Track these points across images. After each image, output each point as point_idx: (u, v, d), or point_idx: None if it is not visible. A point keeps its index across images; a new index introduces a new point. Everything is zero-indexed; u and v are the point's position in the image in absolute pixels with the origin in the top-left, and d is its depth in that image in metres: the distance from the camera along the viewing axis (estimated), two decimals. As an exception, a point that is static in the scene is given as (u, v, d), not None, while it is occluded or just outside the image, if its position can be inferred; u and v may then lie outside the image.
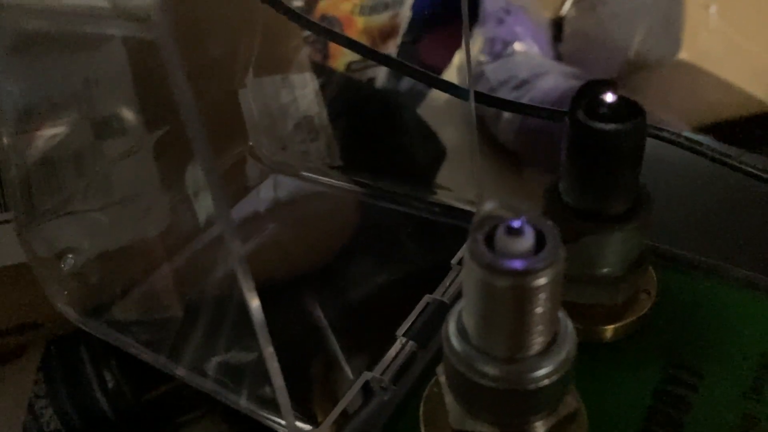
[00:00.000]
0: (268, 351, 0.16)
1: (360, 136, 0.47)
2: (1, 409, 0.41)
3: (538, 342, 0.15)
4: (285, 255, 0.33)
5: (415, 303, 0.22)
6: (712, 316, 0.20)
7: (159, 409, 0.43)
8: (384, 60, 0.32)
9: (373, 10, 0.58)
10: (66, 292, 0.29)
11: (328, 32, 0.31)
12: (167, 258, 0.36)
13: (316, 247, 0.33)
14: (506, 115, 0.57)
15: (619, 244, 0.18)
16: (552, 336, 0.15)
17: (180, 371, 0.27)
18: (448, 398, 0.16)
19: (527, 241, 0.14)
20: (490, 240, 0.14)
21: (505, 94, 0.60)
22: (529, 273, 0.14)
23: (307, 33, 0.54)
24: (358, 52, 0.31)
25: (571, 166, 0.18)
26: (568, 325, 0.16)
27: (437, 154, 0.53)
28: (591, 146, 0.17)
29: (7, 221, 0.37)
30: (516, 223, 0.14)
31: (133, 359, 0.42)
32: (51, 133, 0.38)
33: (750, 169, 0.23)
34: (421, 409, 0.18)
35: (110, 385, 0.41)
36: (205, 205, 0.36)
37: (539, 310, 0.14)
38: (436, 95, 0.64)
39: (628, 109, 0.17)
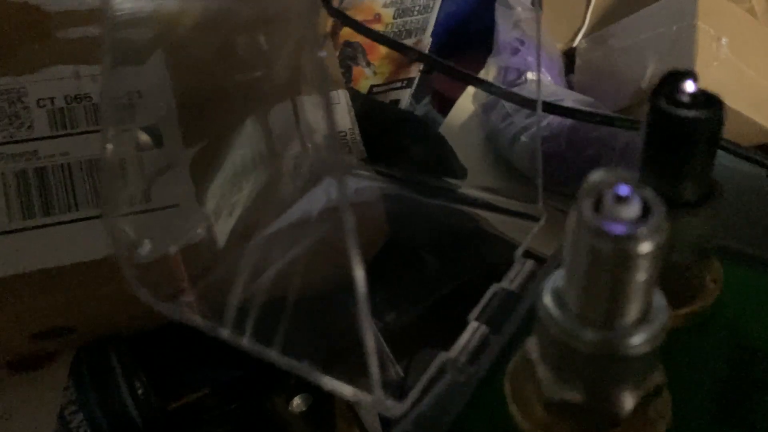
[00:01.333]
0: (367, 324, 0.16)
1: (381, 156, 0.48)
2: (33, 414, 0.40)
3: (635, 310, 0.15)
4: (334, 260, 0.33)
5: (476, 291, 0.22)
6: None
7: (184, 418, 0.43)
8: (442, 67, 0.33)
9: (396, 36, 0.59)
10: (144, 278, 0.29)
11: (396, 45, 0.31)
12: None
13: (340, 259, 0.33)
14: (522, 139, 0.58)
15: (692, 230, 0.19)
16: (647, 306, 0.16)
17: (252, 345, 0.27)
18: (541, 368, 0.17)
19: (634, 208, 0.14)
20: (597, 205, 0.15)
21: (521, 119, 0.61)
22: (635, 238, 0.14)
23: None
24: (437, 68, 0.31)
25: (649, 151, 0.18)
26: (660, 298, 0.16)
27: (457, 174, 0.54)
28: (671, 132, 0.18)
29: (47, 225, 0.37)
30: (624, 190, 0.14)
31: (161, 369, 0.42)
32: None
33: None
34: (507, 384, 0.18)
35: (140, 392, 0.41)
36: (225, 230, 0.37)
37: (641, 277, 0.15)
38: (450, 121, 0.65)
39: (706, 99, 0.18)
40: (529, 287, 0.22)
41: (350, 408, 0.42)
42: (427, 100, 0.73)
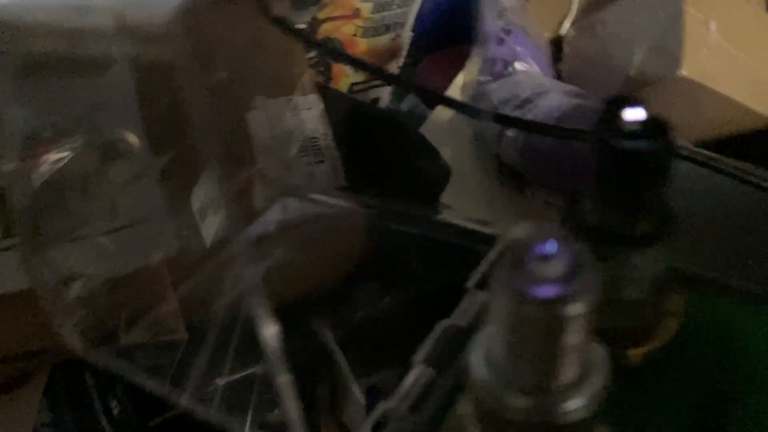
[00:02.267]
0: (283, 379, 0.15)
1: (365, 157, 0.47)
2: (7, 437, 0.40)
3: (568, 373, 0.14)
4: (294, 277, 0.32)
5: (426, 326, 0.21)
6: (743, 339, 0.19)
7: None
8: (393, 80, 0.31)
9: (375, 31, 0.58)
10: (72, 321, 0.28)
11: (339, 54, 0.30)
12: (173, 283, 0.35)
13: (324, 269, 0.32)
14: (509, 134, 0.56)
15: (644, 265, 0.17)
16: (583, 366, 0.14)
17: (184, 399, 0.26)
18: (473, 429, 0.15)
19: (560, 266, 0.13)
20: (519, 265, 0.13)
21: (507, 113, 0.59)
22: (563, 301, 0.13)
23: (309, 55, 0.53)
24: (369, 73, 0.30)
25: (596, 185, 0.17)
26: (600, 352, 0.14)
27: (442, 173, 0.52)
28: (618, 166, 0.16)
29: (8, 248, 0.36)
30: (548, 247, 0.13)
31: (138, 387, 0.42)
32: (56, 157, 0.37)
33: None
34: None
35: (115, 411, 0.40)
36: (210, 229, 0.35)
37: (571, 339, 0.13)
38: (437, 116, 0.63)
39: (655, 127, 0.16)
40: (483, 320, 0.21)
41: (338, 420, 0.41)
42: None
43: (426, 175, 0.51)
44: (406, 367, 0.20)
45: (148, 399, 0.41)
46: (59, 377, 0.41)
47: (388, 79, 0.32)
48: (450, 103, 0.30)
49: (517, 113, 0.57)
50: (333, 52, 0.29)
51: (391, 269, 0.33)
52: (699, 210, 0.23)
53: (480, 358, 0.15)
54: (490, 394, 0.14)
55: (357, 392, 0.26)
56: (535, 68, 0.64)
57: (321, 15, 0.58)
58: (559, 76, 0.66)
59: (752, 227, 0.23)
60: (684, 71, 0.52)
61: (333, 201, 0.33)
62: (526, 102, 0.58)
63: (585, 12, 0.66)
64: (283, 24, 0.26)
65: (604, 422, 0.16)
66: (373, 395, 0.37)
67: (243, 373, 0.34)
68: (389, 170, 0.51)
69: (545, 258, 0.13)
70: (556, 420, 0.14)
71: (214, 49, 0.32)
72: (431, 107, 0.64)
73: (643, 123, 0.16)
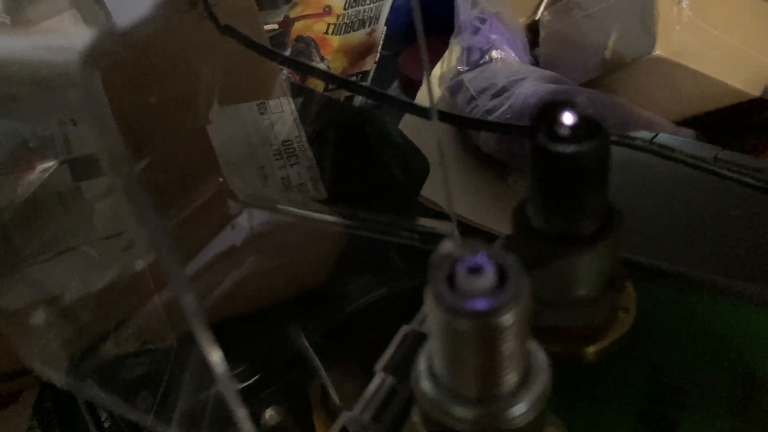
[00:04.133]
0: (237, 407, 0.15)
1: (342, 156, 0.47)
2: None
3: (509, 380, 0.14)
4: (265, 286, 0.32)
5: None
6: (695, 331, 0.19)
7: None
8: (351, 86, 0.32)
9: (348, 27, 0.58)
10: (36, 347, 0.29)
11: (291, 62, 0.30)
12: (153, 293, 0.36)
13: (296, 276, 0.32)
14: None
15: (590, 265, 0.18)
16: (524, 371, 0.15)
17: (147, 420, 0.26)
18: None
19: (489, 278, 0.13)
20: (451, 279, 0.13)
21: (485, 101, 0.59)
22: (493, 312, 0.13)
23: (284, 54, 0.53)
24: (323, 79, 0.30)
25: (536, 189, 0.17)
26: (540, 357, 0.15)
27: (420, 168, 0.53)
28: (553, 169, 0.16)
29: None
30: (476, 261, 0.13)
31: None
32: (29, 177, 0.37)
33: (725, 172, 0.23)
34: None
35: (106, 425, 0.41)
36: None
37: (507, 348, 0.13)
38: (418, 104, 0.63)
39: (589, 129, 0.17)
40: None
41: (331, 417, 0.41)
42: (396, 84, 0.72)
43: (403, 172, 0.52)
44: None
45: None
46: (48, 394, 0.42)
47: (348, 86, 0.33)
48: (400, 103, 0.30)
49: (494, 102, 0.57)
50: (288, 60, 0.29)
51: (364, 273, 0.33)
52: (653, 200, 0.24)
53: (424, 371, 0.15)
54: (435, 406, 0.15)
55: (333, 392, 0.26)
56: (512, 55, 0.64)
57: (292, 13, 0.58)
58: (536, 61, 0.66)
59: (707, 215, 0.23)
60: (658, 50, 0.53)
61: (302, 212, 0.34)
62: (503, 90, 0.58)
63: None
64: (234, 33, 0.26)
65: (555, 421, 0.16)
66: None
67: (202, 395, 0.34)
68: (367, 167, 0.51)
69: (474, 271, 0.13)
70: (503, 427, 0.14)
71: (163, 66, 0.32)
72: (413, 98, 0.64)
73: (576, 126, 0.16)
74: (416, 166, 0.53)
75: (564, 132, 0.16)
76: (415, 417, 0.16)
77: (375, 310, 0.38)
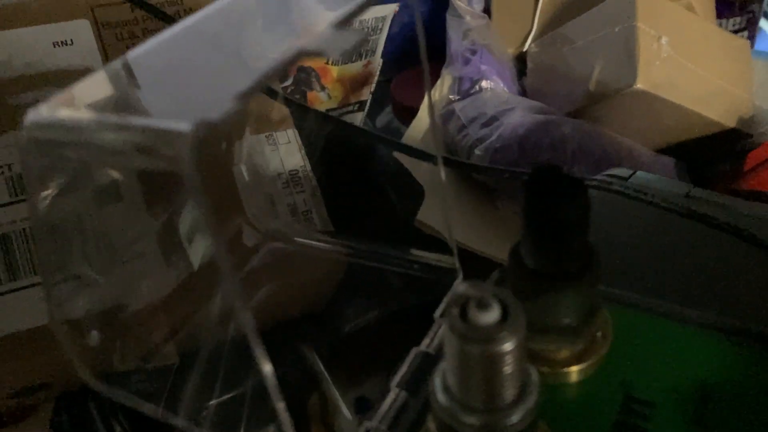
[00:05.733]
0: (280, 406, 0.19)
1: (341, 181, 0.50)
2: (18, 467, 0.43)
3: (509, 394, 0.18)
4: (276, 305, 0.36)
5: (399, 343, 0.25)
6: (660, 352, 0.23)
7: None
8: (355, 130, 0.36)
9: (347, 59, 0.61)
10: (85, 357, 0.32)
11: (294, 103, 0.34)
12: (163, 308, 0.39)
13: (299, 299, 0.36)
14: (477, 152, 0.60)
15: (573, 298, 0.22)
16: (520, 387, 0.18)
17: (179, 422, 0.30)
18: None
19: (494, 312, 0.17)
20: (464, 312, 0.17)
21: (475, 130, 0.62)
22: (496, 341, 0.17)
23: (286, 83, 0.57)
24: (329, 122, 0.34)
25: (527, 235, 0.21)
26: (533, 375, 0.19)
27: (415, 193, 0.55)
28: (542, 222, 0.20)
29: (14, 290, 0.40)
30: (484, 299, 0.17)
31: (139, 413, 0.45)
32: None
33: (695, 209, 0.27)
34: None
35: (120, 436, 0.44)
36: (197, 253, 0.39)
37: (508, 369, 0.17)
38: (412, 132, 0.66)
39: (573, 187, 0.20)
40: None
41: (329, 429, 0.44)
42: (388, 109, 0.75)
43: (398, 197, 0.55)
44: (386, 379, 0.24)
45: (148, 423, 0.45)
46: (63, 407, 0.45)
47: (351, 130, 0.37)
48: (409, 149, 0.34)
49: (484, 131, 0.61)
50: (289, 101, 0.33)
51: (366, 297, 0.37)
52: (626, 236, 0.28)
53: (439, 385, 0.19)
54: (448, 415, 0.18)
55: (344, 407, 0.30)
56: (501, 85, 0.67)
57: (293, 45, 0.61)
58: (523, 91, 0.70)
59: (675, 250, 0.27)
60: (639, 84, 0.56)
61: (317, 244, 0.37)
62: (493, 119, 0.61)
63: (546, 29, 0.70)
64: (271, 93, 0.30)
65: (544, 427, 0.20)
66: (361, 404, 0.40)
67: (232, 394, 0.37)
68: (365, 192, 0.55)
69: (483, 307, 0.17)
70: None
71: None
72: (405, 123, 0.68)
73: (562, 185, 0.20)
74: (411, 191, 0.56)
75: (551, 189, 0.20)
76: (430, 424, 0.20)
77: (371, 330, 0.41)
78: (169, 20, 0.44)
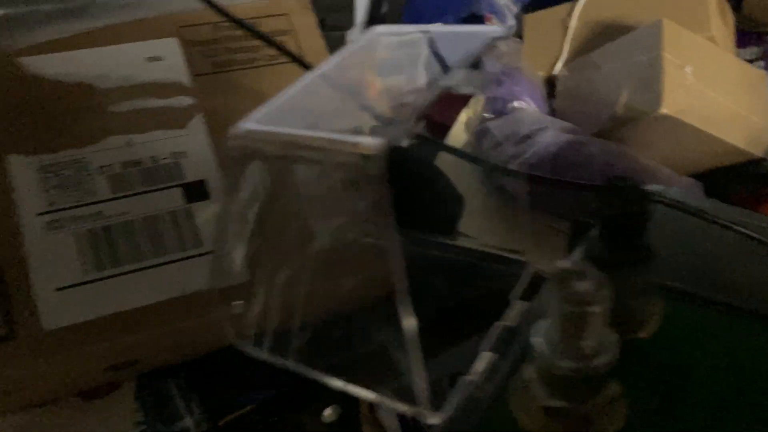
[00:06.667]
0: (416, 356, 0.25)
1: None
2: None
3: (595, 344, 0.24)
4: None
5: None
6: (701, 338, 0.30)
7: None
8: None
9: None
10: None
11: None
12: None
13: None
14: (511, 167, 0.65)
15: (633, 281, 0.28)
16: (603, 341, 0.25)
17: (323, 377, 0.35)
18: (536, 385, 0.26)
19: (590, 283, 0.23)
20: (566, 283, 0.24)
21: (509, 147, 0.67)
22: (591, 303, 0.23)
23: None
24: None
25: (601, 236, 0.27)
26: (612, 334, 0.25)
27: (458, 202, 0.60)
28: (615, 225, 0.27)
29: (115, 275, 0.45)
30: (583, 272, 0.23)
31: (210, 391, 0.51)
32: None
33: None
34: (511, 399, 0.27)
35: (196, 413, 0.49)
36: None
37: (596, 326, 0.24)
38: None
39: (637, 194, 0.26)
40: (524, 322, 0.31)
41: (372, 413, 0.49)
42: (422, 125, 0.81)
43: (445, 204, 0.60)
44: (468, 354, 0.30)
45: (218, 403, 0.50)
46: (147, 385, 0.50)
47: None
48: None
49: (518, 148, 0.66)
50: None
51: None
52: (676, 239, 0.34)
53: (540, 339, 0.25)
54: (548, 362, 0.25)
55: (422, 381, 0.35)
56: (532, 105, 0.73)
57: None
58: (552, 112, 0.75)
59: (718, 252, 0.33)
60: (664, 109, 0.60)
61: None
62: (525, 138, 0.67)
63: (576, 54, 0.75)
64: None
65: (615, 382, 0.26)
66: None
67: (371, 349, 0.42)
68: (413, 199, 0.60)
69: (580, 277, 0.23)
70: (588, 374, 0.24)
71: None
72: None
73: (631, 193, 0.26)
74: (454, 201, 0.60)
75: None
76: (527, 373, 0.26)
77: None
78: (282, 50, 0.49)
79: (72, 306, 0.44)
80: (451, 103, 0.77)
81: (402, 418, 0.47)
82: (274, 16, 0.56)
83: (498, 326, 0.30)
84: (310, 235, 0.44)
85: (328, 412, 0.51)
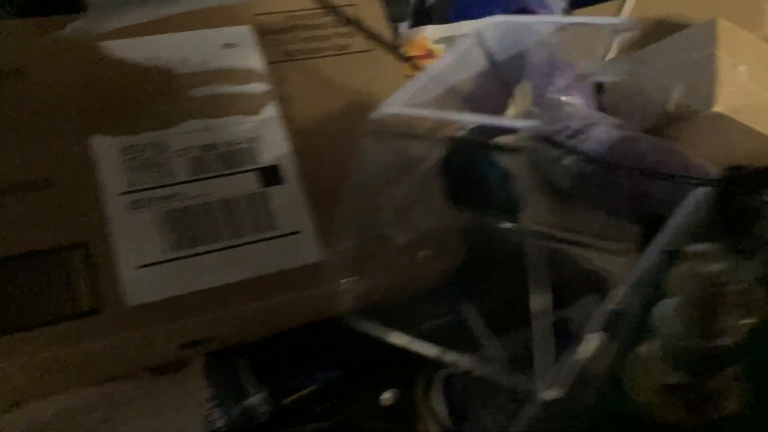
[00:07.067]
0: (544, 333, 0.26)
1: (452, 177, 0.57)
2: (181, 410, 0.49)
3: (720, 325, 0.26)
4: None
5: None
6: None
7: (296, 411, 0.52)
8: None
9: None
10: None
11: None
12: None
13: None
14: (564, 162, 0.65)
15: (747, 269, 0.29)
16: (726, 323, 0.26)
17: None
18: (658, 363, 0.27)
19: (722, 265, 0.25)
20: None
21: (560, 140, 0.68)
22: (721, 285, 0.25)
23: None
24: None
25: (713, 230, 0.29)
26: (741, 315, 0.26)
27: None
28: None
29: (190, 255, 0.47)
30: (716, 255, 0.25)
31: (277, 370, 0.52)
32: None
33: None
34: (626, 378, 0.28)
35: (263, 391, 0.51)
36: None
37: (726, 306, 0.25)
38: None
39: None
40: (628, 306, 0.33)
41: (426, 397, 0.51)
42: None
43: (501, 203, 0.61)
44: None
45: (282, 383, 0.52)
46: (214, 362, 0.51)
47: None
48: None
49: (570, 142, 0.67)
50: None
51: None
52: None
53: (669, 317, 0.26)
54: (677, 338, 0.26)
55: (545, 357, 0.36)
56: (580, 101, 0.73)
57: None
58: (601, 107, 0.76)
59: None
60: (717, 107, 0.61)
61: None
62: (577, 132, 0.67)
63: (626, 51, 0.76)
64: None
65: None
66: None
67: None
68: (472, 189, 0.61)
69: (714, 260, 0.25)
70: (713, 351, 0.26)
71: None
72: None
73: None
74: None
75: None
76: (648, 350, 0.27)
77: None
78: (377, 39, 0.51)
79: (153, 283, 0.45)
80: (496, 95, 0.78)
81: (450, 403, 0.48)
82: (344, 6, 0.57)
83: (604, 310, 0.32)
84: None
85: (387, 396, 0.52)
